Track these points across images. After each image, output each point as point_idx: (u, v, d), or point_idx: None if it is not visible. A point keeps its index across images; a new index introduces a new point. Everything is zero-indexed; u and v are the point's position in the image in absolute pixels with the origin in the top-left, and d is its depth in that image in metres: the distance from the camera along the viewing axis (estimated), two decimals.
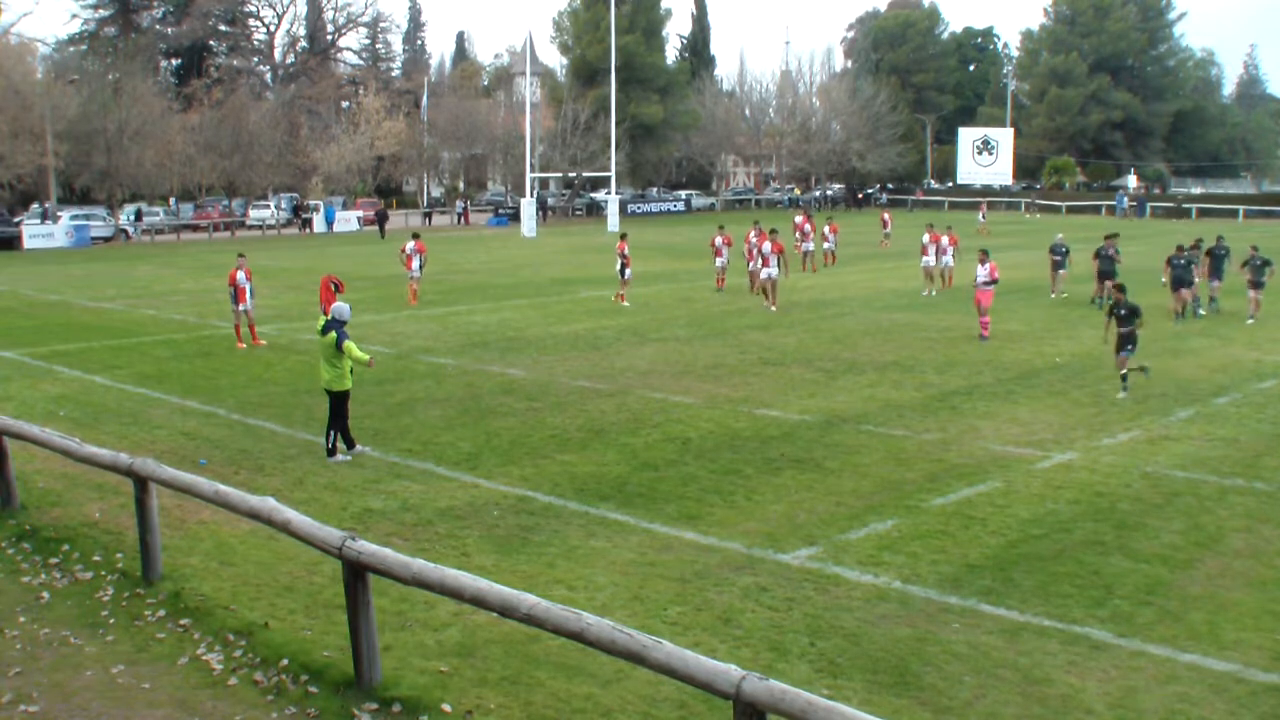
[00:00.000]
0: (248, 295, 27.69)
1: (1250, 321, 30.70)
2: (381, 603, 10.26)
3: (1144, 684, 9.62)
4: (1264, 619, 10.96)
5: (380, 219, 79.60)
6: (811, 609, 11.17)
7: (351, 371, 16.98)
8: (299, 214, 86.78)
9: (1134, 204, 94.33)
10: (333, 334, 16.73)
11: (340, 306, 17.19)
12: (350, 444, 17.21)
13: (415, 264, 36.36)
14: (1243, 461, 16.71)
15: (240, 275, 27.66)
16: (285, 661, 9.81)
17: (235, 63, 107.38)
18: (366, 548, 9.18)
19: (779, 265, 34.07)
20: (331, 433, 16.96)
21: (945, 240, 38.26)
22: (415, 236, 37.87)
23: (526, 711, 9.10)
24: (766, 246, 34.00)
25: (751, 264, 36.61)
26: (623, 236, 37.81)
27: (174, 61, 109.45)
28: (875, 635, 10.57)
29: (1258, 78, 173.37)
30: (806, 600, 11.39)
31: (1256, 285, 31.37)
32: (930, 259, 37.89)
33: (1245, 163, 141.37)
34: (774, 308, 33.19)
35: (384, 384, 22.66)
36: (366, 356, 17.01)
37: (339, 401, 16.96)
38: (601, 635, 7.55)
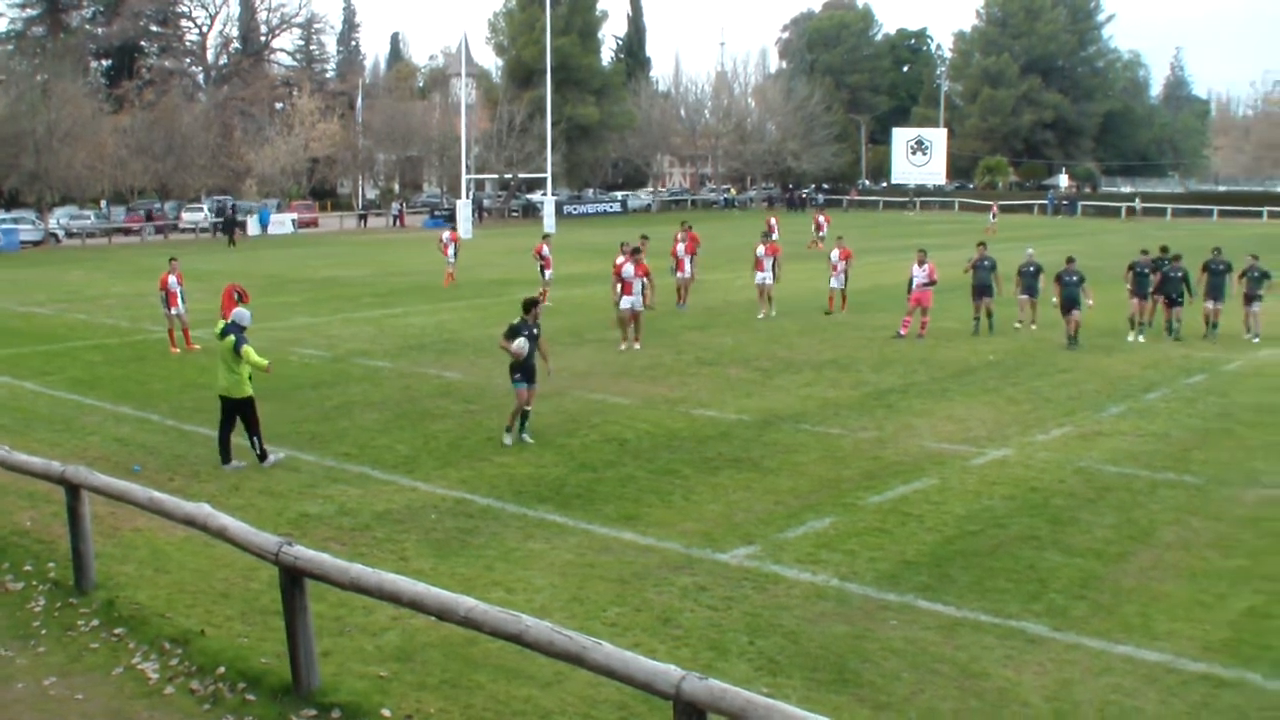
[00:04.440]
0: (179, 299, 27.37)
1: (1253, 339, 27.57)
2: (319, 608, 10.18)
3: (1079, 676, 9.73)
4: (1195, 610, 11.12)
5: (229, 226, 72.76)
6: (750, 608, 11.20)
7: (250, 377, 16.68)
8: (228, 224, 74.43)
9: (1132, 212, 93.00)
10: (231, 338, 16.37)
11: (241, 312, 16.82)
12: (226, 458, 16.70)
13: (450, 251, 42.67)
14: (1173, 455, 16.95)
15: (172, 279, 27.30)
16: (222, 669, 9.71)
17: (167, 64, 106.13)
18: (303, 553, 9.11)
19: (644, 292, 27.35)
20: (255, 438, 16.58)
21: (836, 255, 33.20)
22: (452, 229, 48.05)
23: (466, 715, 9.06)
24: (629, 269, 26.99)
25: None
26: (545, 238, 38.10)
27: (104, 62, 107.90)
28: (814, 633, 10.61)
29: (1184, 79, 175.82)
30: (745, 599, 11.42)
31: (1253, 299, 27.82)
32: (765, 274, 32.24)
33: (1173, 162, 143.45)
34: (638, 344, 26.82)
35: (320, 387, 22.51)
36: (265, 362, 16.62)
37: (244, 409, 16.52)
38: (540, 637, 7.53)
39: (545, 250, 36.33)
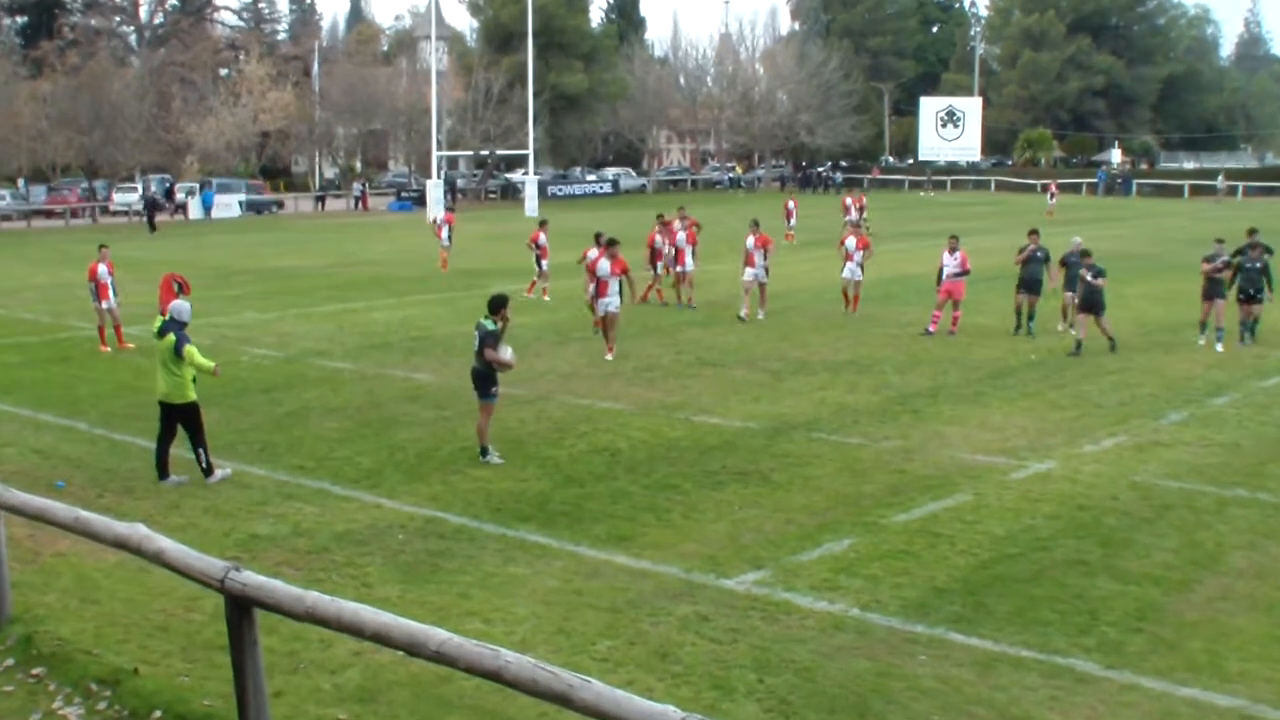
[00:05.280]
0: (111, 291, 27.35)
1: None
2: (271, 642, 10.16)
3: None
4: (1271, 647, 11.09)
5: (150, 208, 74.11)
6: (759, 640, 11.20)
7: (194, 380, 16.59)
8: (149, 205, 75.76)
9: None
10: (171, 336, 16.28)
11: (180, 305, 16.77)
12: (165, 472, 16.63)
13: (444, 234, 45.12)
14: (1244, 469, 16.94)
15: (102, 269, 27.32)
16: (158, 713, 9.67)
17: (93, 22, 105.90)
18: (253, 579, 9.08)
19: (622, 292, 27.53)
20: (201, 450, 16.49)
21: (853, 243, 32.06)
22: (449, 209, 53.78)
23: None
24: (605, 265, 26.58)
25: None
26: (541, 225, 37.60)
27: (19, 19, 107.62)
28: (831, 669, 10.61)
29: (1260, 37, 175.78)
30: (753, 631, 11.42)
31: None
32: (758, 270, 31.37)
33: (1246, 133, 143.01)
34: (610, 355, 25.91)
35: (272, 391, 22.49)
36: (211, 364, 16.61)
37: (187, 416, 16.47)
38: (522, 674, 7.51)
39: (542, 238, 35.97)
